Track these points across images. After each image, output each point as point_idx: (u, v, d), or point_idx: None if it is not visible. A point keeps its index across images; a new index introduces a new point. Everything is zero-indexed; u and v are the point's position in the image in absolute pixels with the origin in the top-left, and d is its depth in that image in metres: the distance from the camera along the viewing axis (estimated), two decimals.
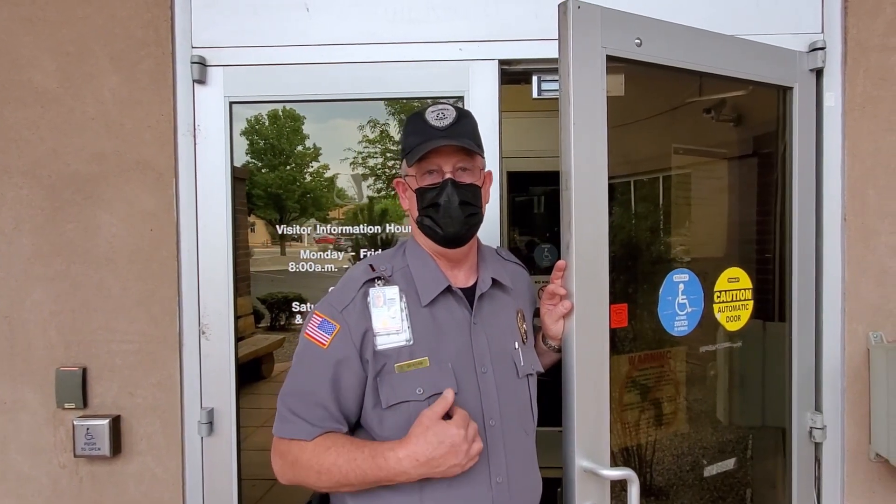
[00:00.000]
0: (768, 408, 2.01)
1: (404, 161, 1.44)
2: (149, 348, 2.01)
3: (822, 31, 1.96)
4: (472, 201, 1.38)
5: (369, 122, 2.10)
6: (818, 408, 1.98)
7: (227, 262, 2.03)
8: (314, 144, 2.14)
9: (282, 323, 2.18)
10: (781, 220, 1.97)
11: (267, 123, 2.13)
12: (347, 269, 2.08)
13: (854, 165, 1.95)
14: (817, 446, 1.99)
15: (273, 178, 2.17)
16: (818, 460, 2.00)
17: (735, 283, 1.82)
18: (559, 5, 1.46)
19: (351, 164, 2.12)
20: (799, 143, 1.90)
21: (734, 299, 1.82)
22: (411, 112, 1.59)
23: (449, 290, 1.41)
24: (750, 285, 1.85)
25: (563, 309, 1.47)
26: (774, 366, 1.97)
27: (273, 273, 2.17)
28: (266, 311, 2.18)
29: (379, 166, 2.14)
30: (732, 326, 1.83)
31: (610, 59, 1.52)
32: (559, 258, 1.50)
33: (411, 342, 1.35)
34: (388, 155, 2.14)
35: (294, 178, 2.17)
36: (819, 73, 1.95)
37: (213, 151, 2.03)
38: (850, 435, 1.97)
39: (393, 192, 2.13)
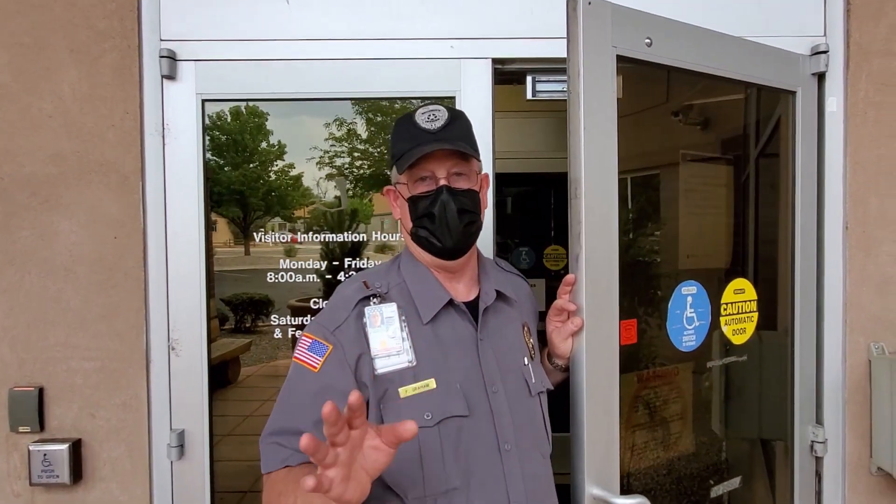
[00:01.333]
0: (765, 419, 1.95)
1: (394, 168, 1.33)
2: (112, 366, 1.85)
3: (825, 35, 1.91)
4: (470, 208, 1.29)
5: (337, 120, 1.98)
6: (819, 421, 1.93)
7: (200, 272, 1.89)
8: (278, 141, 2.01)
9: (247, 325, 2.05)
10: (752, 226, 1.92)
11: (230, 119, 1.99)
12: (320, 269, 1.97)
13: (856, 172, 1.90)
14: (818, 460, 1.93)
15: (237, 176, 2.03)
16: (819, 474, 1.94)
17: (741, 294, 1.75)
18: (568, 1, 1.36)
19: (317, 163, 2.00)
20: (801, 149, 1.85)
21: (740, 311, 1.75)
22: (400, 113, 1.46)
23: (451, 304, 1.31)
24: (755, 297, 1.78)
25: (573, 326, 1.38)
26: (769, 375, 1.91)
27: (237, 272, 2.04)
28: (231, 313, 2.04)
29: (347, 165, 2.02)
30: (738, 339, 1.75)
31: (619, 59, 1.42)
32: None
33: (414, 363, 1.24)
34: (356, 154, 2.02)
35: (258, 176, 2.04)
36: (821, 77, 1.90)
37: (183, 153, 1.88)
38: (851, 448, 1.92)
39: (361, 192, 2.03)
